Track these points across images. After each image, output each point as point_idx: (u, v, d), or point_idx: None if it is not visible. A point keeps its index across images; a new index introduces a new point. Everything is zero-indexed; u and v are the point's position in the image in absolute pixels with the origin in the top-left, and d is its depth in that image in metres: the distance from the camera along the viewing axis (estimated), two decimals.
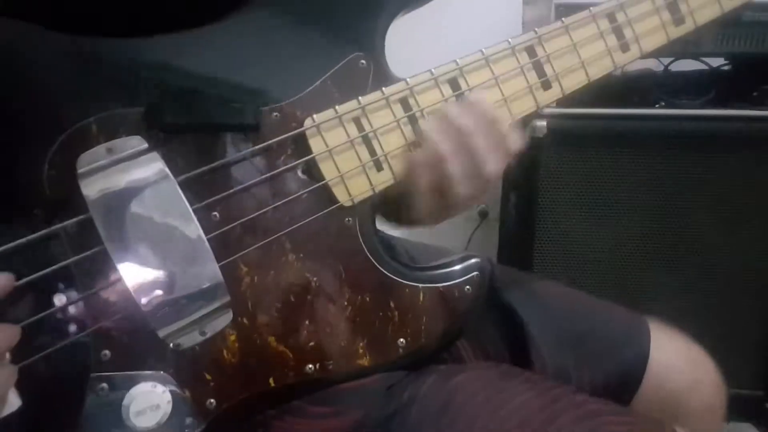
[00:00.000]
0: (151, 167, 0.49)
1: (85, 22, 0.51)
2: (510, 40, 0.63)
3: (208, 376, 0.52)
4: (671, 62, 1.39)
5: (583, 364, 0.69)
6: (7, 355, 0.45)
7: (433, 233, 0.83)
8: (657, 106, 1.31)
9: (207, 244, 0.48)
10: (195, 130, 0.53)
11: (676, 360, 0.71)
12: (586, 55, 0.65)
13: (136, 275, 0.46)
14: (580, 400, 0.57)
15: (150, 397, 0.49)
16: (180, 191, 0.48)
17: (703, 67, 1.38)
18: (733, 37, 1.23)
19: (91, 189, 0.47)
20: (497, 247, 1.53)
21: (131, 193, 0.47)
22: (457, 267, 0.61)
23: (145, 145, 0.50)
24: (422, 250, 0.82)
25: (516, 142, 0.60)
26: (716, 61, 1.39)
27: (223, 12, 0.55)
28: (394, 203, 0.64)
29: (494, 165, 0.58)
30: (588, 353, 0.70)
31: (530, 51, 0.63)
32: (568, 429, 0.53)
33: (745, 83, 1.30)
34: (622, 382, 0.69)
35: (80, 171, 0.48)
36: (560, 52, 0.64)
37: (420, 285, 0.59)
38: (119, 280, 0.46)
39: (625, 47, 0.66)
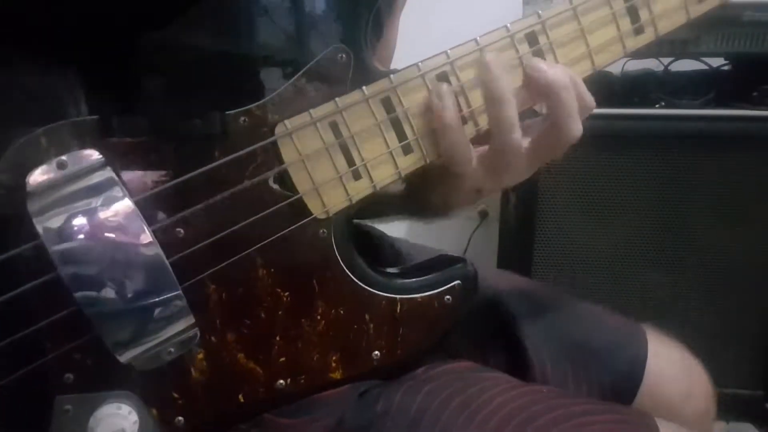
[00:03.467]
0: (106, 184, 0.46)
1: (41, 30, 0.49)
2: (509, 25, 0.55)
3: (175, 395, 0.51)
4: (671, 62, 1.39)
5: (580, 373, 0.69)
6: None
7: (433, 233, 0.83)
8: (657, 106, 1.30)
9: (169, 267, 0.46)
10: (154, 139, 0.49)
11: (672, 369, 0.71)
12: (594, 43, 0.58)
13: (92, 301, 0.44)
14: (561, 402, 0.57)
15: (116, 418, 0.48)
16: (137, 211, 0.46)
17: (703, 67, 1.37)
18: (733, 37, 1.22)
19: (41, 210, 0.44)
20: (497, 247, 1.53)
21: (84, 213, 0.45)
22: (438, 275, 0.58)
23: (101, 159, 0.47)
24: (422, 251, 0.81)
25: (592, 100, 0.56)
26: (716, 61, 1.38)
27: (181, 10, 0.51)
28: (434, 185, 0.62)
29: (580, 126, 0.54)
30: (585, 361, 0.70)
31: (531, 39, 0.56)
32: (547, 429, 0.52)
33: (745, 83, 1.29)
34: (619, 390, 0.69)
35: (29, 189, 0.45)
36: (566, 40, 0.57)
37: (397, 296, 0.56)
38: (76, 306, 0.44)
39: (639, 30, 0.59)
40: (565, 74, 0.54)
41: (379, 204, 0.72)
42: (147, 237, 0.46)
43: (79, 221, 0.44)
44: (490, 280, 0.74)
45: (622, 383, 0.69)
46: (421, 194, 0.65)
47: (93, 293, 0.44)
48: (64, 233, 0.44)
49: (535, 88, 0.55)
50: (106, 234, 0.45)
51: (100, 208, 0.45)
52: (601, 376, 0.69)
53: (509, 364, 0.70)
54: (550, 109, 0.54)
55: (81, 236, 0.44)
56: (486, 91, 0.54)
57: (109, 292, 0.44)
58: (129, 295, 0.45)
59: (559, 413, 0.54)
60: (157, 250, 0.46)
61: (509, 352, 0.70)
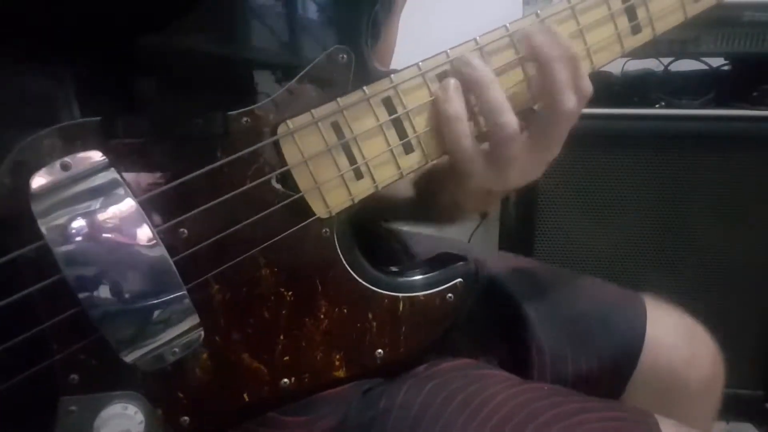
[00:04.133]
0: (110, 185, 0.46)
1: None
2: (508, 25, 0.55)
3: (180, 394, 0.51)
4: (671, 62, 1.39)
5: (579, 346, 0.69)
6: None
7: (433, 233, 0.83)
8: (657, 106, 1.31)
9: (173, 267, 0.46)
10: (157, 140, 0.49)
11: (673, 335, 0.71)
12: (592, 41, 0.58)
13: (97, 302, 0.44)
14: (562, 399, 0.56)
15: (121, 419, 0.48)
16: (141, 211, 0.46)
17: (703, 67, 1.38)
18: (733, 37, 1.23)
19: (45, 211, 0.44)
20: (497, 247, 1.53)
21: (89, 214, 0.45)
22: (440, 273, 0.58)
23: (104, 160, 0.47)
24: (421, 241, 0.82)
25: (589, 85, 0.54)
26: (716, 61, 1.38)
27: (182, 12, 0.51)
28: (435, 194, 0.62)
29: (573, 102, 0.53)
30: (584, 334, 0.69)
31: None
32: (548, 427, 0.52)
33: (745, 83, 1.29)
34: (620, 361, 0.69)
35: (33, 191, 0.45)
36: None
37: (400, 294, 0.56)
38: (80, 307, 0.45)
39: (636, 29, 0.59)
40: (557, 45, 0.53)
41: (389, 210, 0.72)
42: (151, 238, 0.46)
43: (84, 222, 0.44)
44: (490, 265, 0.74)
45: (622, 355, 0.69)
46: (431, 197, 0.65)
47: (97, 294, 0.44)
48: (68, 234, 0.44)
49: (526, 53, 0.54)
50: (111, 235, 0.45)
51: (104, 210, 0.45)
52: (600, 350, 0.69)
53: (507, 343, 0.70)
54: (541, 79, 0.54)
55: (85, 237, 0.44)
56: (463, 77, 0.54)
57: (113, 293, 0.44)
58: (133, 296, 0.45)
59: (559, 411, 0.54)
60: (161, 250, 0.46)
61: (507, 332, 0.70)
